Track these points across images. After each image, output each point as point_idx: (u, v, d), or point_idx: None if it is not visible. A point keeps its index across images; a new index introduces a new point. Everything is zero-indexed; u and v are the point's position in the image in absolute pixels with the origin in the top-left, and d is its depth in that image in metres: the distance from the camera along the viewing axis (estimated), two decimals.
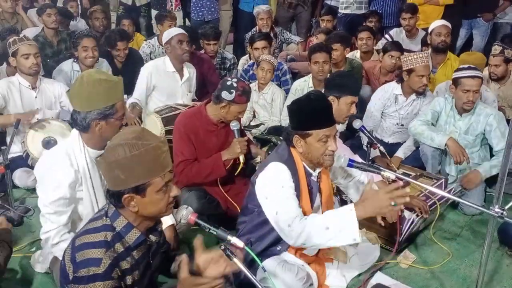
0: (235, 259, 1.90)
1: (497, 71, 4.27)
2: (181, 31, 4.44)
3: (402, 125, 4.15)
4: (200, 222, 1.97)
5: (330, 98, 3.01)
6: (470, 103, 3.55)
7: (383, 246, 3.04)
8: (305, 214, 2.36)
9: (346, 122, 3.31)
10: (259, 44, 5.03)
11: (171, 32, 4.43)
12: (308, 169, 2.48)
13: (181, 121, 3.18)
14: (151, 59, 5.28)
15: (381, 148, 3.31)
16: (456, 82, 3.58)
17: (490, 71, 4.32)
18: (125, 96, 4.62)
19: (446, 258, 3.06)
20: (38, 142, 3.61)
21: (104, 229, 1.78)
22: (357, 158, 2.99)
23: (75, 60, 4.53)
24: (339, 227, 2.16)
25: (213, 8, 6.55)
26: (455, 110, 3.70)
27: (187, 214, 1.98)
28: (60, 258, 1.96)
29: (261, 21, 6.06)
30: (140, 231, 1.83)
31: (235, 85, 2.99)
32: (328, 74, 4.32)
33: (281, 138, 2.71)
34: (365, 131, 3.25)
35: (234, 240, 1.93)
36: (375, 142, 3.29)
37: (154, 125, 3.89)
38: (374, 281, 2.79)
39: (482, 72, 3.81)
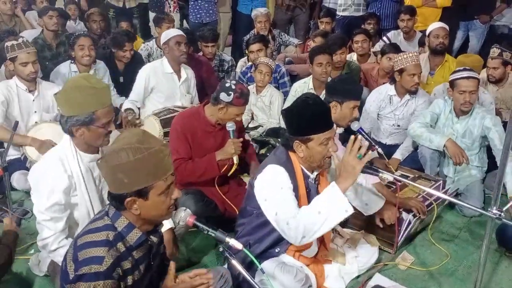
0: (233, 261, 1.91)
1: (495, 73, 4.28)
2: (179, 32, 4.45)
3: (399, 125, 4.17)
4: (198, 224, 1.97)
5: (333, 103, 3.02)
6: (468, 104, 3.56)
7: (382, 248, 3.04)
8: None
9: None
10: (254, 47, 5.04)
11: (169, 33, 4.44)
12: (306, 171, 2.49)
13: (178, 121, 3.19)
14: (149, 61, 5.28)
15: (379, 150, 3.32)
16: (452, 84, 3.60)
17: (488, 73, 4.33)
18: (123, 98, 4.64)
19: (444, 260, 3.06)
20: None
21: (106, 228, 1.78)
22: None
23: (72, 61, 4.53)
24: (329, 206, 2.20)
25: (211, 11, 6.56)
26: (453, 113, 3.71)
27: (185, 216, 1.98)
28: (59, 264, 1.96)
29: (259, 24, 6.06)
30: (142, 231, 1.84)
31: (233, 87, 2.99)
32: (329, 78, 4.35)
33: (279, 140, 2.72)
34: (363, 133, 3.25)
35: (232, 242, 1.93)
36: (373, 144, 3.29)
37: (153, 127, 3.90)
38: (372, 282, 2.79)
39: (479, 74, 3.81)
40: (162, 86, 4.40)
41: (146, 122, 4.09)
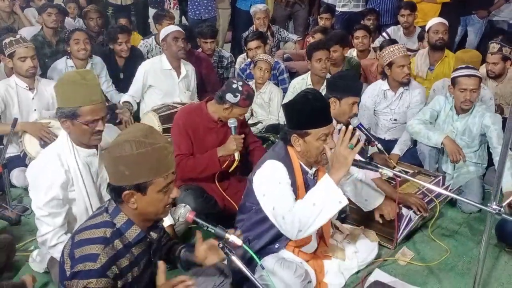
0: (233, 257, 1.91)
1: (495, 69, 4.27)
2: (177, 28, 4.46)
3: (395, 120, 4.18)
4: (198, 220, 1.98)
5: (332, 99, 3.03)
6: (468, 102, 3.55)
7: (381, 244, 3.04)
8: None
9: None
10: (252, 44, 5.03)
11: (168, 29, 4.46)
12: (305, 167, 2.49)
13: (181, 116, 3.19)
14: (148, 58, 5.27)
15: (379, 145, 3.32)
16: (454, 81, 3.59)
17: (488, 69, 4.32)
18: (121, 94, 4.65)
19: (444, 255, 3.06)
20: (35, 141, 3.61)
21: (104, 225, 1.78)
22: (356, 156, 2.99)
23: (69, 57, 4.53)
24: (323, 197, 2.20)
25: (210, 7, 6.54)
26: (454, 110, 3.70)
27: (185, 212, 1.98)
28: (58, 259, 1.96)
29: (258, 20, 6.04)
30: (141, 228, 1.84)
31: (240, 88, 3.00)
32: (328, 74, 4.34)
33: (279, 136, 2.72)
34: (363, 128, 3.25)
35: (232, 238, 1.94)
36: (373, 139, 3.29)
37: (151, 123, 3.89)
38: (372, 278, 2.80)
39: (478, 70, 3.81)
40: (160, 82, 4.40)
41: (145, 119, 4.09)
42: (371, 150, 3.69)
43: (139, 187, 1.74)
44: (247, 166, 3.30)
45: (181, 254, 2.13)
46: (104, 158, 1.80)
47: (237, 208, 2.84)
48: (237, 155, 3.10)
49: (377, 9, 6.37)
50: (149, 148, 1.70)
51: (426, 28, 4.99)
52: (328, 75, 4.37)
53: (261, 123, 4.58)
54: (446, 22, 4.93)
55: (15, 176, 3.68)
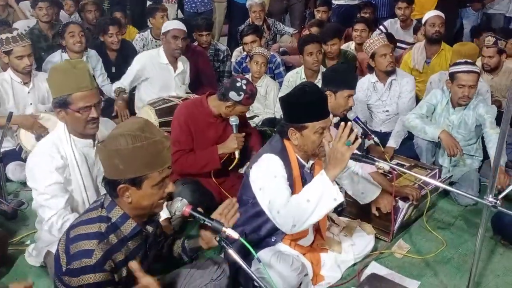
0: (230, 250, 1.91)
1: (490, 62, 4.28)
2: (179, 27, 4.34)
3: (388, 111, 4.19)
4: (195, 214, 1.97)
5: (327, 92, 3.01)
6: (466, 98, 3.55)
7: (378, 236, 3.05)
8: None
9: None
10: (248, 38, 5.01)
11: (170, 25, 4.40)
12: (301, 160, 2.49)
13: (181, 110, 3.18)
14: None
15: (376, 138, 3.32)
16: (452, 76, 3.59)
17: (483, 62, 4.32)
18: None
19: (440, 248, 3.07)
20: (31, 135, 3.60)
21: (99, 220, 1.78)
22: None
23: (63, 50, 4.50)
24: (317, 194, 2.20)
25: (206, 0, 6.51)
26: (450, 104, 3.70)
27: (181, 206, 1.98)
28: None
29: (253, 13, 6.01)
30: (136, 222, 1.83)
31: (244, 87, 2.99)
32: (322, 67, 4.33)
33: (275, 130, 2.71)
34: (359, 121, 3.25)
35: (229, 231, 1.94)
36: (369, 132, 3.30)
37: (148, 117, 3.86)
38: (369, 270, 2.80)
39: (475, 62, 3.81)
40: (156, 76, 4.37)
41: (142, 112, 4.07)
42: (367, 143, 3.69)
43: (134, 181, 1.73)
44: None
45: (185, 244, 2.15)
46: (99, 151, 1.79)
47: None
48: (237, 153, 3.10)
49: (374, 2, 6.35)
50: (144, 142, 1.69)
51: (423, 21, 4.98)
52: (323, 68, 4.37)
53: (258, 116, 4.57)
54: (442, 15, 4.92)
55: (11, 170, 3.67)
